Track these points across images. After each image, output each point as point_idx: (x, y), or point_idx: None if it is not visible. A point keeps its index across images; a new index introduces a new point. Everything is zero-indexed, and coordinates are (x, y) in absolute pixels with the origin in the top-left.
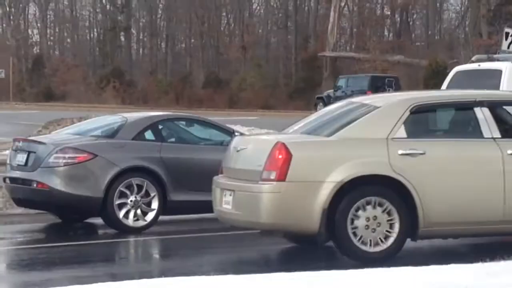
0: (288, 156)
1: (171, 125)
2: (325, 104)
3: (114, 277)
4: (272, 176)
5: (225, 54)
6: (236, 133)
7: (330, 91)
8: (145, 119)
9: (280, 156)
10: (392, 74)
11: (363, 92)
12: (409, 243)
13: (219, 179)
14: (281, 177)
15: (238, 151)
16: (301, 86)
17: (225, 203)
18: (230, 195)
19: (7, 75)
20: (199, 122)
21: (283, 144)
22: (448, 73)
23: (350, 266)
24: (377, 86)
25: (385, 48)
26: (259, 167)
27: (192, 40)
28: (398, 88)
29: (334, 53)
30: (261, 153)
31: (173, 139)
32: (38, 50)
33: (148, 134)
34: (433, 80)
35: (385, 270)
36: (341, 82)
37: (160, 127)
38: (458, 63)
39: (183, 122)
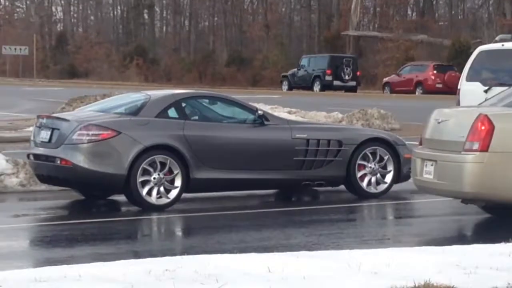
0: (491, 127)
1: (194, 103)
2: (289, 82)
3: (137, 255)
4: (475, 147)
5: (248, 33)
6: (259, 111)
7: (294, 70)
8: (169, 96)
9: (483, 128)
10: (350, 54)
11: (323, 71)
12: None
13: (419, 150)
14: (484, 148)
15: (439, 123)
16: None
17: (426, 173)
18: (432, 165)
19: (30, 52)
20: (222, 100)
21: (486, 116)
22: (472, 52)
23: None
24: (336, 65)
25: (408, 27)
26: (461, 138)
27: (216, 18)
28: (355, 68)
29: (357, 32)
30: (464, 124)
31: (196, 117)
32: (61, 27)
33: (172, 112)
34: (456, 59)
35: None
36: (304, 61)
37: (183, 104)
38: (481, 43)
39: (206, 100)
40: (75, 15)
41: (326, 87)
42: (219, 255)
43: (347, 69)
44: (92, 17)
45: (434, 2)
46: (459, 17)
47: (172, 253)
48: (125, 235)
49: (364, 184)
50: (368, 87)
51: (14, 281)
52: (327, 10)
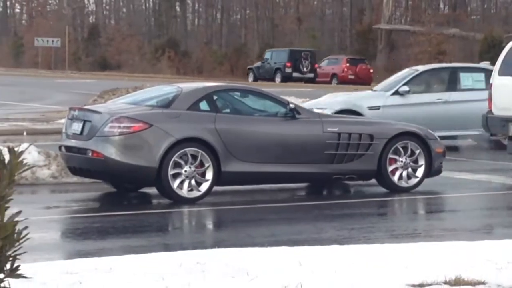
0: None
1: (225, 95)
2: (255, 74)
3: (168, 247)
4: None
5: (280, 26)
6: (291, 105)
7: (259, 63)
8: (200, 89)
9: None
10: (309, 48)
11: (283, 64)
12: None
13: None
14: None
15: None
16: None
17: None
18: None
19: (63, 44)
20: (253, 93)
21: None
22: (504, 47)
23: None
24: (295, 59)
25: (440, 21)
26: None
27: (247, 11)
28: (313, 61)
29: (389, 25)
30: None
31: (227, 110)
32: (93, 20)
33: (203, 105)
34: (489, 54)
35: None
36: (267, 55)
37: (215, 97)
38: None
39: (238, 93)
40: (107, 7)
41: (287, 78)
42: (249, 248)
43: (305, 62)
44: (124, 9)
45: None
46: (492, 11)
47: (203, 246)
48: (156, 228)
49: (395, 178)
50: None
51: (46, 273)
52: (359, 3)
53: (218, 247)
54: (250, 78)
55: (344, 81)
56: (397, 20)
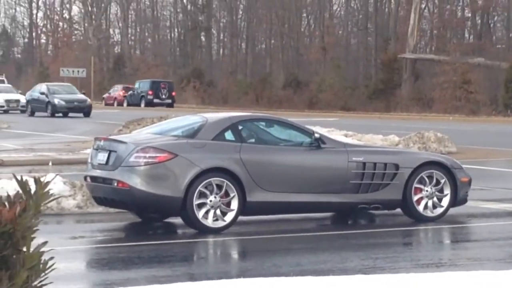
0: None
1: (251, 125)
2: (128, 101)
3: (193, 277)
4: None
5: (305, 55)
6: (316, 134)
7: (131, 92)
8: (225, 119)
9: None
10: (167, 80)
11: (146, 92)
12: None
13: None
14: None
15: None
16: (381, 88)
17: None
18: None
19: (88, 75)
20: (278, 122)
21: None
22: None
23: None
24: (156, 87)
25: (466, 50)
26: None
27: (272, 41)
28: (171, 90)
29: (414, 55)
30: None
31: (252, 140)
32: (119, 50)
33: (228, 135)
34: None
35: None
36: (136, 85)
37: (240, 127)
38: None
39: (263, 123)
40: (132, 38)
41: (149, 104)
42: (275, 278)
43: (163, 90)
44: (149, 40)
45: (492, 25)
46: None
47: (228, 276)
48: (181, 258)
49: (421, 207)
50: (425, 109)
51: None
52: (384, 33)
53: (243, 277)
54: (125, 104)
55: None
56: (422, 49)
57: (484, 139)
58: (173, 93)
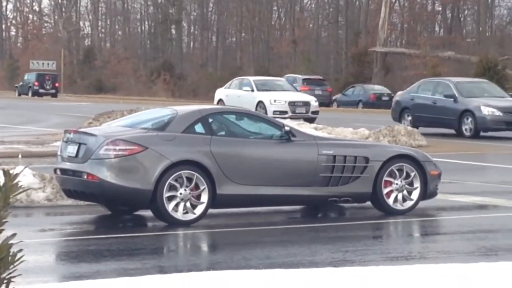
0: None
1: (221, 118)
2: (19, 91)
3: (163, 270)
4: None
5: (275, 48)
6: (286, 127)
7: (21, 83)
8: (195, 112)
9: None
10: (53, 72)
11: (33, 83)
12: None
13: None
14: None
15: None
16: (351, 81)
17: None
18: None
19: (58, 67)
20: (249, 115)
21: None
22: (499, 70)
23: None
24: (42, 79)
25: (436, 44)
26: None
27: (243, 34)
28: (54, 81)
29: (385, 48)
30: None
31: (223, 133)
32: (89, 42)
33: (198, 127)
34: (484, 76)
35: None
36: (26, 76)
37: (210, 120)
38: (509, 60)
39: (233, 116)
40: (102, 30)
41: (35, 93)
42: (244, 270)
43: (48, 82)
44: (119, 32)
45: (462, 19)
46: (487, 34)
47: (198, 268)
48: (151, 250)
49: (391, 200)
50: None
51: None
52: (354, 26)
53: (213, 269)
54: (16, 94)
55: None
56: (393, 43)
57: (454, 133)
58: (57, 84)
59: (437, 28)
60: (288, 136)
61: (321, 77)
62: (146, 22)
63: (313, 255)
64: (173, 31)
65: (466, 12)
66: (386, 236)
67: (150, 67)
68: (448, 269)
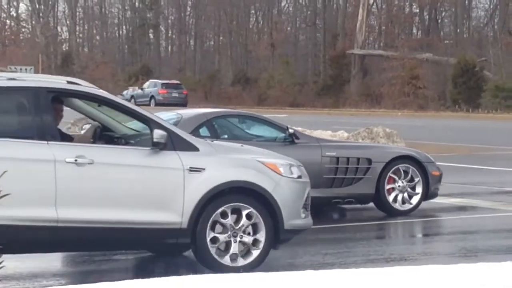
0: None
1: (224, 122)
2: None
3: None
4: None
5: (253, 52)
6: (290, 130)
7: None
8: (200, 116)
9: None
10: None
11: None
12: None
13: None
14: None
15: None
16: (330, 84)
17: None
18: None
19: (36, 72)
20: (252, 118)
21: None
22: (477, 71)
23: None
24: None
25: (414, 45)
26: None
27: (221, 38)
28: None
29: (363, 50)
30: None
31: (226, 136)
32: (67, 47)
33: (203, 131)
34: (462, 78)
35: None
36: None
37: (214, 123)
38: (487, 61)
39: (236, 119)
40: (80, 35)
41: None
42: (221, 274)
43: None
44: (97, 37)
45: (439, 21)
46: (465, 36)
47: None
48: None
49: (393, 201)
50: (374, 105)
51: None
52: (332, 29)
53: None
54: None
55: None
56: (371, 45)
57: (433, 134)
58: None
59: (414, 30)
60: (292, 138)
61: (178, 82)
62: (124, 27)
63: (293, 257)
64: (151, 36)
65: (443, 14)
66: (367, 238)
67: (128, 71)
68: (429, 270)
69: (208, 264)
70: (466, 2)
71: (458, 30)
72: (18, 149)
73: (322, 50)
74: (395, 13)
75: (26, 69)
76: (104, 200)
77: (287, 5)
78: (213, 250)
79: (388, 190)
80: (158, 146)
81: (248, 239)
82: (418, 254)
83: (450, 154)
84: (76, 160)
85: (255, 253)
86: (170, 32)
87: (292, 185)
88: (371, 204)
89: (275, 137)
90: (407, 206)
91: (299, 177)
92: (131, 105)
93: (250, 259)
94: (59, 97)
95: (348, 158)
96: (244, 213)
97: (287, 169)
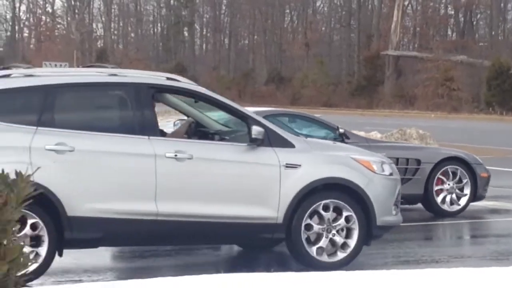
0: None
1: (274, 121)
2: None
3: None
4: None
5: (287, 51)
6: (341, 129)
7: None
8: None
9: None
10: None
11: None
12: None
13: None
14: None
15: None
16: (363, 84)
17: None
18: None
19: None
20: (302, 117)
21: None
22: (511, 73)
23: None
24: None
25: (448, 47)
26: None
27: (255, 37)
28: None
29: (397, 52)
30: None
31: None
32: (102, 44)
33: None
34: (496, 80)
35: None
36: None
37: None
38: None
39: (286, 118)
40: (115, 32)
41: None
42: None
43: None
44: (132, 34)
45: (475, 23)
46: (500, 38)
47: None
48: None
49: (441, 202)
50: (407, 106)
51: None
52: (367, 29)
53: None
54: None
55: None
56: (405, 46)
57: (466, 137)
58: None
59: (449, 32)
60: (342, 138)
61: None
62: (159, 24)
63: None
64: (186, 33)
65: (478, 16)
66: (398, 240)
67: (162, 69)
68: (460, 273)
69: (302, 259)
70: (502, 4)
71: (493, 33)
72: (120, 144)
73: (356, 50)
74: (430, 15)
75: (61, 65)
76: (202, 195)
77: (322, 5)
78: (307, 245)
79: (437, 191)
80: (255, 142)
81: (339, 236)
82: (449, 257)
83: (484, 156)
84: (176, 155)
85: (347, 249)
86: (204, 30)
87: (385, 182)
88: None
89: (325, 137)
90: (455, 208)
91: (391, 174)
92: (229, 101)
93: (343, 255)
94: (158, 93)
95: (397, 159)
96: (338, 209)
97: (379, 167)
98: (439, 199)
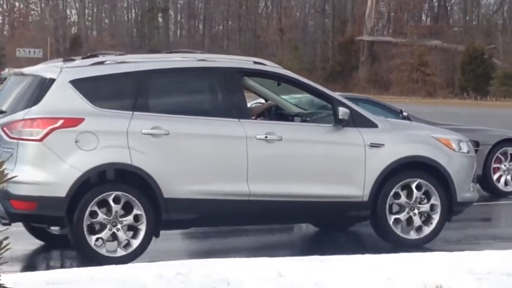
0: None
1: None
2: None
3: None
4: None
5: (262, 37)
6: (404, 113)
7: None
8: None
9: None
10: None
11: None
12: None
13: None
14: None
15: None
16: (338, 70)
17: None
18: None
19: (45, 55)
20: (365, 101)
21: None
22: (486, 58)
23: None
24: None
25: (422, 32)
26: None
27: (230, 22)
28: None
29: (371, 37)
30: None
31: None
32: (76, 30)
33: None
34: (470, 65)
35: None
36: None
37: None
38: (495, 49)
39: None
40: (89, 18)
41: None
42: (230, 259)
43: None
44: (106, 20)
45: (449, 8)
46: (474, 23)
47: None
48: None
49: (499, 183)
50: (382, 92)
51: (27, 284)
52: (341, 15)
53: (198, 258)
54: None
55: None
56: (379, 31)
57: (441, 121)
58: None
59: (423, 17)
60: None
61: None
62: (133, 10)
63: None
64: (160, 19)
65: (452, 1)
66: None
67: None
68: (435, 256)
69: (387, 237)
70: None
71: (467, 18)
72: (213, 126)
73: (330, 36)
74: (404, 0)
75: (34, 52)
76: (292, 175)
77: None
78: (392, 223)
79: (494, 169)
80: (341, 123)
81: (425, 208)
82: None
83: None
84: (266, 137)
85: (431, 226)
86: (179, 16)
87: (463, 160)
88: None
89: None
90: (509, 188)
91: (468, 152)
92: (315, 84)
93: (425, 232)
94: (247, 77)
95: None
96: (419, 187)
97: (457, 145)
98: (494, 178)
